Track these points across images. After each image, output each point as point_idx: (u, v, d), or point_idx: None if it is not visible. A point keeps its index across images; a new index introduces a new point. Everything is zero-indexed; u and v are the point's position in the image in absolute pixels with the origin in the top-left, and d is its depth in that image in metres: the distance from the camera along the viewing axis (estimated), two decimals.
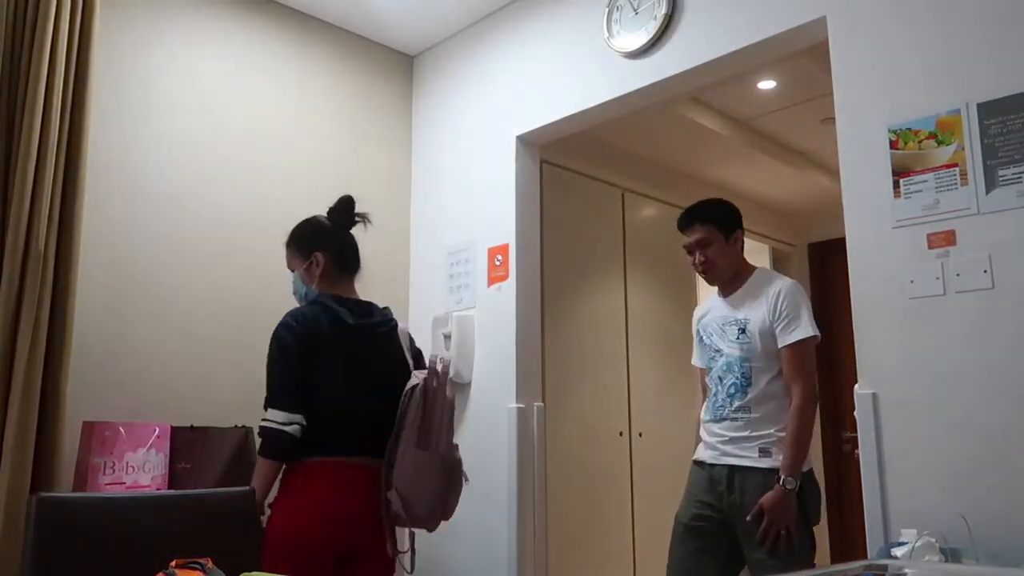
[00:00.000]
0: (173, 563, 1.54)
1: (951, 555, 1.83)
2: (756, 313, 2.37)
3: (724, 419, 2.37)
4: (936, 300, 2.16)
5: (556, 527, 3.30)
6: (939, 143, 2.22)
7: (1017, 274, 2.05)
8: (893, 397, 2.20)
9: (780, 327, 2.34)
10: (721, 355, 2.42)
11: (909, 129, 2.28)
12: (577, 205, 3.85)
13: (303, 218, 2.58)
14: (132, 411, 2.80)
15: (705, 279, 2.51)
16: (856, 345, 2.31)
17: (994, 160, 2.12)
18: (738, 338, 2.38)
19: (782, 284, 2.41)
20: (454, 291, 3.57)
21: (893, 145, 2.30)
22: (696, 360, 2.64)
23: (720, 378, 2.41)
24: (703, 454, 2.43)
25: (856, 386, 2.31)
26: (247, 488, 1.81)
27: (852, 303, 2.33)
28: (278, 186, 3.40)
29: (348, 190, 3.63)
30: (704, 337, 2.53)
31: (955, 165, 2.18)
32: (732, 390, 2.37)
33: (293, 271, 2.46)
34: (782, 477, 2.24)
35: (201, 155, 3.18)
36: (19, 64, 2.59)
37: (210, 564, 1.57)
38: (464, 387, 3.42)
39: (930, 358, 2.15)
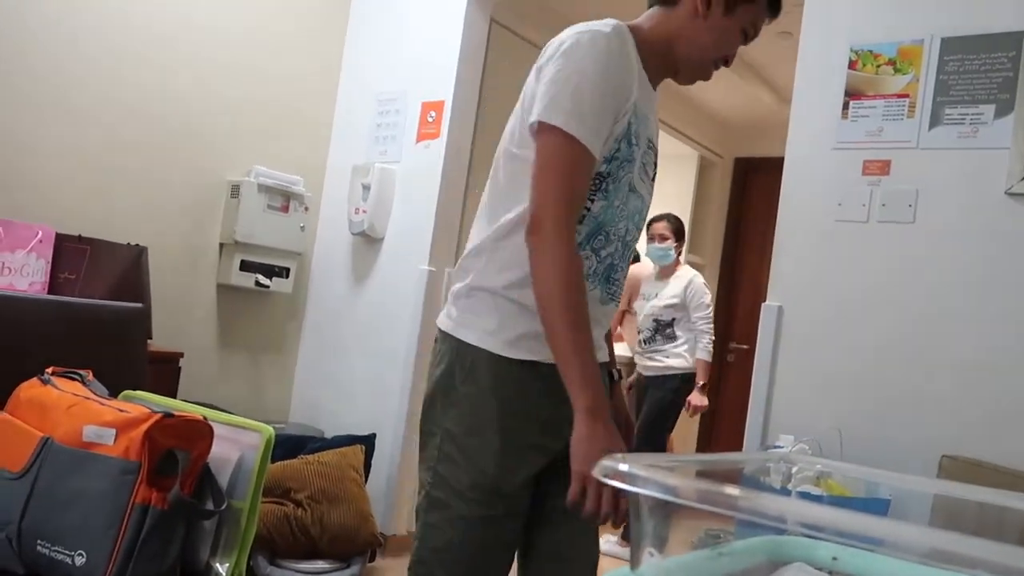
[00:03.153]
0: (50, 370, 1.45)
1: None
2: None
3: (612, 302, 1.34)
4: (859, 226, 2.20)
5: None
6: (896, 71, 2.20)
7: (938, 213, 2.10)
8: (798, 313, 2.27)
9: None
10: (635, 191, 1.32)
11: (870, 51, 2.25)
12: (521, 74, 3.67)
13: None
14: (13, 209, 2.57)
15: (713, 70, 1.37)
16: (773, 259, 2.35)
17: (944, 97, 2.12)
18: (651, 184, 1.41)
19: None
20: (379, 141, 3.41)
21: (852, 65, 2.27)
22: (596, 141, 1.21)
23: (624, 233, 1.32)
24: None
25: (766, 299, 2.37)
26: (139, 304, 1.70)
27: (778, 217, 2.35)
28: (204, 3, 3.08)
29: (279, 16, 3.34)
30: (635, 128, 1.28)
31: (906, 96, 2.18)
32: (624, 265, 1.36)
33: None
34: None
35: None
36: None
37: (90, 376, 1.48)
38: (376, 242, 3.33)
39: (841, 281, 2.21)
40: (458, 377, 1.25)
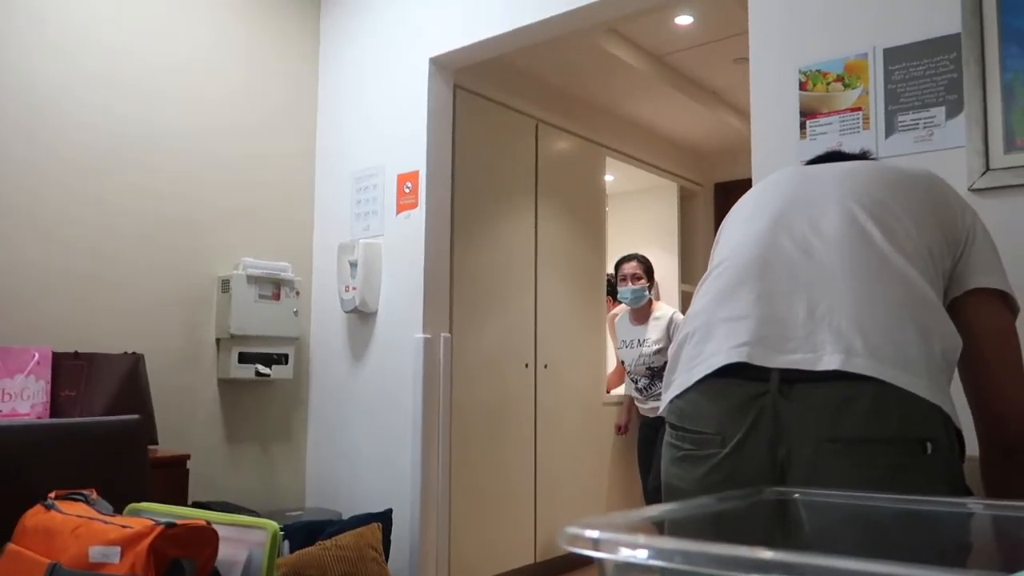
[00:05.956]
0: (52, 494, 1.46)
1: None
2: None
3: None
4: None
5: (459, 459, 3.33)
6: (846, 86, 2.26)
7: None
8: None
9: None
10: None
11: (818, 71, 2.31)
12: (490, 134, 3.78)
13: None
14: (8, 335, 2.62)
15: None
16: None
17: (895, 105, 2.18)
18: None
19: None
20: (361, 218, 3.47)
21: (802, 86, 2.33)
22: None
23: None
24: None
25: None
26: (135, 416, 1.72)
27: None
28: (174, 101, 3.17)
29: (250, 106, 3.44)
30: None
31: (859, 109, 2.23)
32: None
33: None
34: None
35: (82, 59, 2.92)
36: None
37: (94, 495, 1.50)
38: (369, 316, 3.36)
39: None
40: None
